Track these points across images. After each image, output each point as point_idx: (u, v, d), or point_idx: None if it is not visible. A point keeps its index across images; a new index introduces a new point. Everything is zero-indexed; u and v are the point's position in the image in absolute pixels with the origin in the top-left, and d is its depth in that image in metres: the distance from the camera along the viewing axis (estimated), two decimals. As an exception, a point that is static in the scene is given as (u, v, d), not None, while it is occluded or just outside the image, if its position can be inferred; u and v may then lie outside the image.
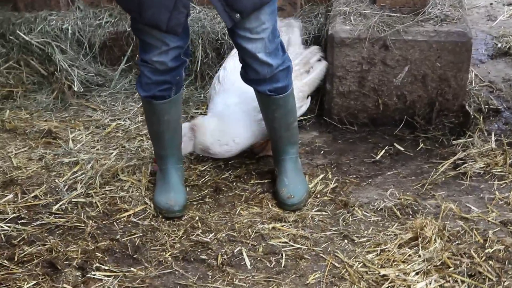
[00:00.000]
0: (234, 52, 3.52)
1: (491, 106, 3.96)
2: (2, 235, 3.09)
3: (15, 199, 3.34)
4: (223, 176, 3.47)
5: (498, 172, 3.44)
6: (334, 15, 3.81)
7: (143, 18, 2.89)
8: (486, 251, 2.92)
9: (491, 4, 5.35)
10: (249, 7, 2.88)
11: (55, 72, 4.22)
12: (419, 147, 3.67)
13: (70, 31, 4.28)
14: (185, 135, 3.28)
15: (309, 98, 3.66)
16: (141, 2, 2.85)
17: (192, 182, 3.42)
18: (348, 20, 3.73)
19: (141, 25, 2.94)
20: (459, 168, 3.48)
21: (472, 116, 3.78)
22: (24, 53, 4.33)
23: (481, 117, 3.82)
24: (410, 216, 3.16)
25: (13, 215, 3.22)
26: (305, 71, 3.61)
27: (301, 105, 3.51)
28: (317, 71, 3.68)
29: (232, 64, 3.52)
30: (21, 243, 3.04)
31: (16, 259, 2.94)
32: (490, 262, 2.86)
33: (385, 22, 3.66)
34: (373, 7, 3.78)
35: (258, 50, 3.01)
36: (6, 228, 3.13)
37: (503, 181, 3.38)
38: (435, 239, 2.93)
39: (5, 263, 2.92)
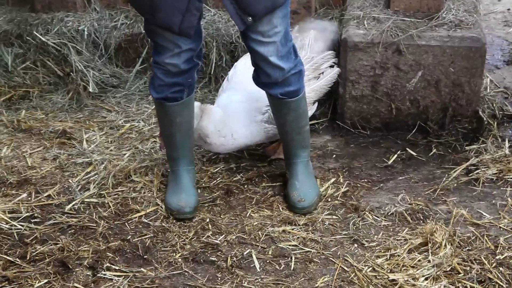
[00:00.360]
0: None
1: (505, 112, 3.94)
2: (15, 234, 3.12)
3: (29, 198, 3.38)
4: (234, 179, 3.48)
5: (511, 178, 3.42)
6: (348, 19, 3.82)
7: (156, 19, 2.91)
8: (497, 257, 2.91)
9: (509, 9, 5.32)
10: (261, 10, 2.89)
11: (71, 73, 4.26)
12: (432, 152, 3.66)
13: (86, 33, 4.31)
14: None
15: (316, 104, 3.66)
16: (154, 4, 2.87)
17: (203, 184, 3.44)
18: (362, 24, 3.73)
19: (154, 27, 2.96)
20: (471, 174, 3.46)
21: (486, 122, 3.77)
22: (40, 54, 4.37)
23: (495, 123, 3.80)
24: (421, 221, 3.15)
25: (26, 214, 3.26)
26: (314, 77, 3.60)
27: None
28: (326, 78, 3.66)
29: (243, 64, 3.55)
30: (34, 242, 3.07)
31: (28, 258, 2.97)
32: (501, 268, 2.85)
33: (399, 27, 3.66)
34: (387, 11, 3.78)
35: (270, 53, 3.02)
36: (19, 227, 3.17)
37: (516, 188, 3.37)
38: (445, 245, 2.93)
39: (17, 261, 2.96)
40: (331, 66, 3.73)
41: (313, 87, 3.57)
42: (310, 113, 3.58)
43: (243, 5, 2.87)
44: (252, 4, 2.87)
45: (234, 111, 3.36)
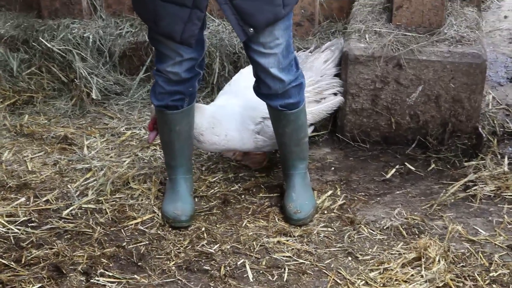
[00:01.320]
0: None
1: (506, 129, 3.94)
2: (11, 238, 3.15)
3: (27, 202, 3.40)
4: (232, 188, 3.49)
5: (509, 195, 3.42)
6: (350, 33, 3.83)
7: (158, 28, 2.94)
8: (491, 274, 2.90)
9: (514, 26, 5.33)
10: (263, 22, 2.91)
11: (75, 79, 4.30)
12: (431, 168, 3.66)
13: (91, 40, 4.35)
14: None
15: (312, 127, 3.64)
16: (156, 12, 2.90)
17: (201, 193, 3.45)
18: (363, 38, 3.74)
19: (157, 35, 2.99)
20: (469, 190, 3.46)
21: (486, 139, 3.76)
22: (46, 60, 4.41)
23: (495, 139, 3.80)
24: (416, 236, 3.15)
25: (24, 218, 3.28)
26: (314, 100, 3.58)
27: None
28: (327, 104, 3.63)
29: (249, 71, 3.56)
30: (29, 246, 3.09)
31: (23, 262, 2.99)
32: (494, 286, 2.85)
33: (400, 41, 3.67)
34: (389, 25, 3.79)
35: (271, 65, 3.04)
36: (16, 230, 3.19)
37: (513, 205, 3.36)
38: (438, 260, 2.93)
39: (12, 265, 2.98)
40: (335, 94, 3.71)
41: (312, 110, 3.52)
42: None
43: (245, 16, 2.89)
44: (254, 15, 2.89)
45: (230, 113, 3.38)
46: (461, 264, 2.96)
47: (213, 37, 4.24)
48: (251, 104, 3.35)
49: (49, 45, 4.34)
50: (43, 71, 4.42)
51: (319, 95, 3.62)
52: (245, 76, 3.53)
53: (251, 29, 2.92)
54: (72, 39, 4.36)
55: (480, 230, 3.20)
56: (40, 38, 4.36)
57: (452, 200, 3.40)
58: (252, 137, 3.40)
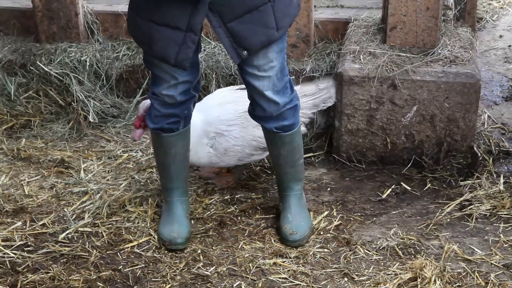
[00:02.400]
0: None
1: (502, 148, 3.94)
2: (7, 262, 3.14)
3: (24, 226, 3.41)
4: (228, 210, 3.50)
5: (505, 214, 3.42)
6: (344, 54, 3.86)
7: (152, 51, 2.96)
8: (487, 294, 2.90)
9: (510, 46, 5.35)
10: (257, 44, 2.93)
11: (72, 103, 4.32)
12: (426, 187, 3.67)
13: (88, 63, 4.38)
14: None
15: (267, 152, 3.57)
16: (151, 36, 2.92)
17: (197, 215, 3.46)
18: (358, 58, 3.77)
19: (152, 58, 3.02)
20: (465, 210, 3.46)
21: (481, 158, 3.77)
22: (43, 83, 4.44)
23: (491, 158, 3.80)
24: (412, 256, 3.15)
25: (20, 243, 3.28)
26: None
27: (253, 154, 3.55)
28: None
29: (220, 91, 3.65)
30: (25, 270, 3.09)
31: (19, 286, 2.99)
32: (490, 305, 2.84)
33: (394, 62, 3.69)
34: (383, 46, 3.81)
35: (266, 88, 3.06)
36: (12, 255, 3.19)
37: (509, 224, 3.36)
38: (434, 280, 2.92)
39: (8, 289, 2.98)
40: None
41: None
42: (257, 158, 3.61)
43: (238, 38, 2.91)
44: (247, 38, 2.91)
45: (192, 128, 3.37)
46: (457, 284, 2.95)
47: (209, 59, 4.26)
48: (209, 119, 3.43)
49: (46, 69, 4.37)
50: (41, 95, 4.45)
51: None
52: (214, 95, 3.61)
53: (245, 52, 2.94)
54: (69, 62, 4.38)
55: (476, 249, 3.20)
56: (38, 62, 4.39)
57: (448, 220, 3.40)
58: (206, 152, 3.44)
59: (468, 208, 3.46)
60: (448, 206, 3.48)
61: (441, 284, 2.91)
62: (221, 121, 3.41)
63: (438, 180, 3.72)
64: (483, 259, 3.13)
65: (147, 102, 3.27)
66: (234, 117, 3.49)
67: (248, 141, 3.50)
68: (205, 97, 3.67)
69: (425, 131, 3.75)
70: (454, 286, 2.94)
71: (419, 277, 2.93)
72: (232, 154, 3.50)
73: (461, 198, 3.53)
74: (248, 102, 3.19)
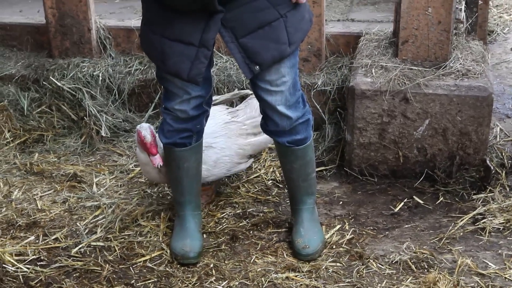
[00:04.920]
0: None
1: (514, 161, 3.93)
2: (20, 277, 3.15)
3: (37, 241, 3.42)
4: (240, 224, 3.50)
5: (518, 228, 3.41)
6: (356, 67, 3.86)
7: (165, 66, 2.98)
8: (501, 308, 2.88)
9: (521, 58, 5.35)
10: (269, 59, 2.94)
11: (84, 117, 4.34)
12: (439, 201, 3.66)
13: (100, 78, 4.41)
14: None
15: (252, 159, 3.69)
16: (164, 51, 2.94)
17: (209, 229, 3.46)
18: (370, 72, 3.77)
19: (164, 73, 3.03)
20: (478, 223, 3.45)
21: (494, 171, 3.75)
22: (56, 98, 4.47)
23: (504, 172, 3.79)
24: (425, 270, 3.13)
25: (33, 257, 3.29)
26: (252, 133, 3.64)
27: (240, 162, 3.59)
28: (265, 136, 3.61)
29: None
30: (38, 285, 3.10)
31: (32, 301, 3.01)
32: (505, 320, 2.82)
33: (406, 75, 3.69)
34: (395, 60, 3.82)
35: (278, 102, 3.06)
36: (25, 269, 3.20)
37: (523, 238, 3.34)
38: (448, 295, 2.91)
39: (21, 304, 2.99)
40: None
41: (250, 141, 3.61)
42: (244, 166, 3.64)
43: (250, 54, 2.92)
44: (260, 53, 2.92)
45: None
46: (471, 299, 2.94)
47: (221, 74, 4.29)
48: None
49: (59, 84, 4.40)
50: (53, 110, 4.48)
51: (256, 128, 3.64)
52: None
53: (257, 67, 2.95)
54: (82, 77, 4.42)
55: (489, 263, 3.18)
56: (51, 77, 4.42)
57: (461, 233, 3.39)
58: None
59: (481, 221, 3.45)
60: (461, 220, 3.47)
61: (455, 298, 2.90)
62: (206, 135, 3.41)
63: (450, 193, 3.71)
64: (497, 273, 3.11)
65: (144, 126, 3.27)
66: (218, 128, 3.55)
67: (235, 150, 3.55)
68: None
69: (437, 145, 3.74)
70: (468, 300, 2.92)
71: (433, 292, 2.92)
72: (221, 166, 3.52)
73: (474, 212, 3.52)
74: (221, 113, 3.31)
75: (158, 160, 3.25)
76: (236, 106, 3.85)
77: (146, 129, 3.27)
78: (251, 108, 3.71)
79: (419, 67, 3.76)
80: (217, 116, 3.59)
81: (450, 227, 3.43)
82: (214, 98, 3.67)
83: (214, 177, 3.55)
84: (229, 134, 3.57)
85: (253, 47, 2.90)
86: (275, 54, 2.94)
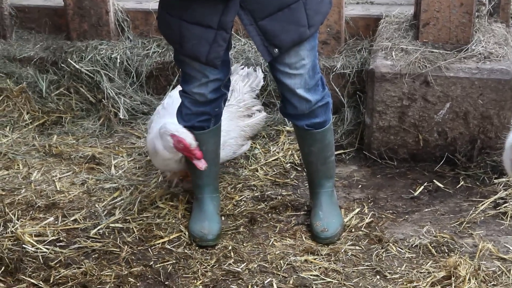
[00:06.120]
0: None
1: (536, 145, 3.88)
2: (40, 257, 3.16)
3: (56, 222, 3.43)
4: (259, 207, 3.49)
5: (540, 213, 3.37)
6: (376, 50, 3.82)
7: (184, 49, 2.96)
8: (523, 293, 2.85)
9: (543, 42, 5.26)
10: (288, 42, 2.91)
11: (103, 100, 4.34)
12: (459, 185, 3.62)
13: (118, 60, 4.40)
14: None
15: (250, 141, 3.73)
16: (182, 34, 2.91)
17: (228, 212, 3.45)
18: (390, 55, 3.73)
19: (182, 56, 3.01)
20: (499, 208, 3.41)
21: (515, 155, 3.71)
22: (74, 81, 4.47)
23: (525, 156, 3.74)
24: (446, 254, 3.11)
25: (52, 238, 3.30)
26: (247, 115, 3.69)
27: (242, 144, 3.62)
28: (258, 118, 3.75)
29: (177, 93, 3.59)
30: (58, 265, 3.11)
31: (51, 281, 3.01)
32: (526, 305, 2.80)
33: (427, 58, 3.65)
34: (416, 43, 3.77)
35: (297, 85, 3.03)
36: (45, 250, 3.21)
37: (545, 222, 3.31)
38: (469, 279, 2.88)
39: (41, 284, 2.99)
40: (259, 110, 3.80)
41: (248, 123, 3.66)
42: (246, 147, 3.67)
43: (270, 36, 2.89)
44: (279, 36, 2.89)
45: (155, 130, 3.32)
46: (492, 283, 2.91)
47: (240, 56, 4.26)
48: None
49: (77, 66, 4.40)
50: (72, 92, 4.48)
51: (249, 110, 3.71)
52: (177, 99, 3.32)
53: (276, 50, 2.92)
54: (100, 60, 4.41)
55: (511, 248, 3.15)
56: (69, 59, 4.42)
57: (482, 218, 3.36)
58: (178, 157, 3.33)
59: (503, 206, 3.41)
60: (482, 204, 3.44)
61: (475, 283, 2.87)
62: None
63: (471, 177, 3.67)
64: (518, 258, 3.08)
65: (180, 129, 3.13)
66: None
67: (237, 132, 3.58)
68: (164, 105, 3.54)
69: (458, 128, 3.70)
70: (489, 285, 2.89)
71: (453, 276, 2.89)
72: (228, 148, 3.53)
73: (495, 196, 3.48)
74: None
75: (203, 162, 3.15)
76: None
77: (186, 134, 3.12)
78: (238, 92, 3.74)
79: (440, 50, 3.71)
80: None
81: (471, 211, 3.40)
82: None
83: (221, 160, 3.52)
84: (231, 117, 3.58)
85: (272, 29, 2.87)
86: (295, 36, 2.91)
